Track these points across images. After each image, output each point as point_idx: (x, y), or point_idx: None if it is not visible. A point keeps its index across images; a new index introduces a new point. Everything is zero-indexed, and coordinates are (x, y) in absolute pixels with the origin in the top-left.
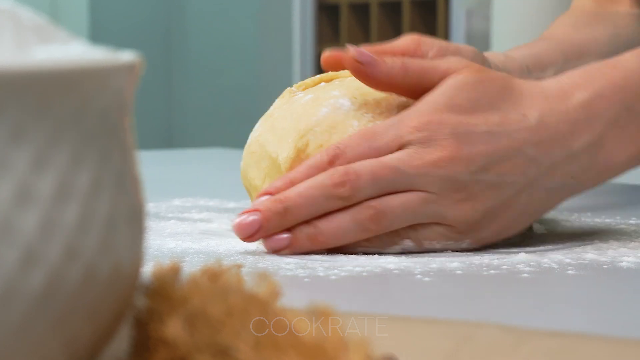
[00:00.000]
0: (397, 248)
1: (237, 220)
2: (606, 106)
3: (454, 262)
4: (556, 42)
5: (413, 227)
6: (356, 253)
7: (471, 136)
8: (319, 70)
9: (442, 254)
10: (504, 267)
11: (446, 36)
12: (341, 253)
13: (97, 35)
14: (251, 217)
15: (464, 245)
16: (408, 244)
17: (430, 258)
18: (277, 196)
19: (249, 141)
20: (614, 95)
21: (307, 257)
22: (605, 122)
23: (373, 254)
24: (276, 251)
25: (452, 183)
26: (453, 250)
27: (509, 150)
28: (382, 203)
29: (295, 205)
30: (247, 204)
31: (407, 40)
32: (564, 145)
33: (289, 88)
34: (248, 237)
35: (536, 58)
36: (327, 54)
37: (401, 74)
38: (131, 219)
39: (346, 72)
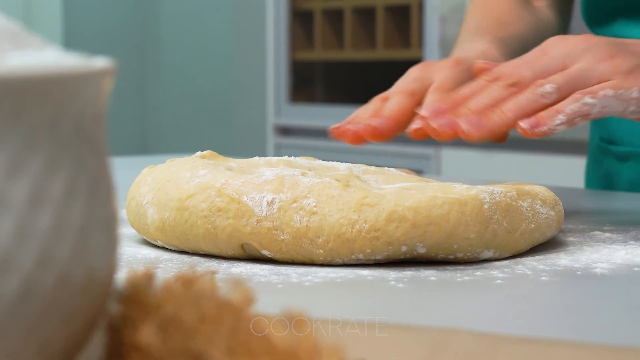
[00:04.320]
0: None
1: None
2: None
3: (428, 269)
4: (505, 36)
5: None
6: None
7: (598, 38)
8: (293, 75)
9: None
10: (478, 273)
11: (420, 42)
12: None
13: (71, 41)
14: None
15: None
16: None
17: (404, 265)
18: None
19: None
20: None
21: (280, 263)
22: None
23: None
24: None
25: (597, 47)
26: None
27: (637, 41)
28: (551, 76)
29: (475, 98)
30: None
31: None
32: None
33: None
34: (436, 118)
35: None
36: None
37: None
38: (105, 226)
39: None
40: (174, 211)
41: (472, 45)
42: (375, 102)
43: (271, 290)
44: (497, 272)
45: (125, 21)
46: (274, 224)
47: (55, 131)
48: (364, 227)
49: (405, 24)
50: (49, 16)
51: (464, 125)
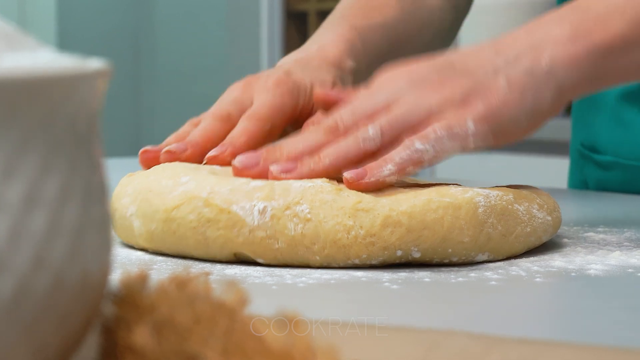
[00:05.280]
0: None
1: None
2: (550, 18)
3: (422, 270)
4: (387, 30)
5: (415, 130)
6: None
7: (428, 62)
8: None
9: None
10: (472, 274)
11: None
12: None
13: (65, 42)
14: (252, 153)
15: (483, 138)
16: (418, 146)
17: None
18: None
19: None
20: (555, 12)
21: (275, 265)
22: (552, 21)
23: None
24: (283, 172)
25: (423, 81)
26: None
27: (470, 54)
28: (374, 119)
29: (290, 143)
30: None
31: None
32: (523, 42)
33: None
34: (248, 169)
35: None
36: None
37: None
38: (99, 227)
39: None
40: (160, 222)
41: (325, 36)
42: (187, 125)
43: (265, 291)
44: (492, 273)
45: (119, 22)
46: (267, 232)
47: (50, 132)
48: (359, 232)
49: None
50: (43, 17)
51: (275, 171)
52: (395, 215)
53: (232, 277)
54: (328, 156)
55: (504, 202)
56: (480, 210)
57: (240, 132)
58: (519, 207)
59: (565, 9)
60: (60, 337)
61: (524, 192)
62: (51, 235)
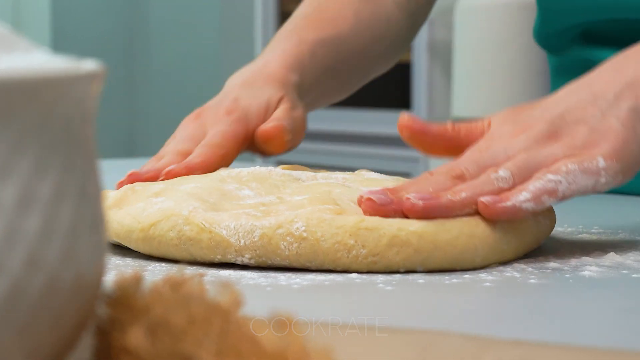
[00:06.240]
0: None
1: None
2: (633, 55)
3: (416, 272)
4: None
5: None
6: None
7: (535, 116)
8: None
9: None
10: (467, 275)
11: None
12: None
13: (60, 44)
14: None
15: (613, 174)
16: (550, 177)
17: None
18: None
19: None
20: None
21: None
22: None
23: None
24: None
25: (539, 133)
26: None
27: (570, 102)
28: (501, 166)
29: (417, 184)
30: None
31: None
32: (617, 81)
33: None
34: (384, 206)
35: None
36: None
37: (452, 132)
38: (94, 228)
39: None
40: (139, 242)
41: (272, 51)
42: (151, 160)
43: (260, 292)
44: (486, 274)
45: (113, 24)
46: (257, 252)
47: (44, 133)
48: (360, 252)
49: None
50: (37, 19)
51: (414, 199)
52: (404, 235)
53: (227, 278)
54: (464, 190)
55: None
56: (497, 225)
57: (196, 155)
58: None
59: None
60: (54, 338)
61: None
62: (45, 236)
